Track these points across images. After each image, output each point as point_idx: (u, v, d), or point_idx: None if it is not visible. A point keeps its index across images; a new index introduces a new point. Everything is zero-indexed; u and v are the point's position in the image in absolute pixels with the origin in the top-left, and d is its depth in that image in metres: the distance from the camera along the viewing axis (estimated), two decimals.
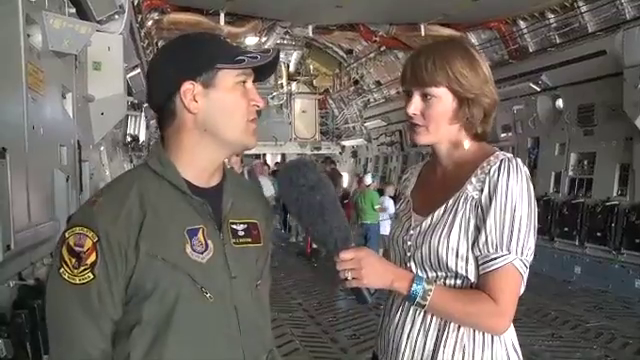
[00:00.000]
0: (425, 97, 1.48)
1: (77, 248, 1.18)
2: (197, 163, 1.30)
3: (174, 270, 1.20)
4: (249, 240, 1.35)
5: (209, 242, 1.26)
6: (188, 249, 1.23)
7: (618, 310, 6.67)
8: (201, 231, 1.25)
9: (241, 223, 1.34)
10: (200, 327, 1.23)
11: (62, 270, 1.19)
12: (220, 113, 1.28)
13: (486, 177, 1.41)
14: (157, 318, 1.19)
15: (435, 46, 1.52)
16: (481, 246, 1.39)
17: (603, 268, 7.75)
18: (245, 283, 1.31)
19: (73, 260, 1.18)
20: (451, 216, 1.44)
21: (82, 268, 1.18)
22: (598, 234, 7.89)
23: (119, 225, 1.19)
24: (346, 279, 1.39)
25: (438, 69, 1.45)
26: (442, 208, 1.47)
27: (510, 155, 1.45)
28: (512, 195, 1.38)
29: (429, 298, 1.39)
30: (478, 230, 1.41)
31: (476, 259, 1.41)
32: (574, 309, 6.69)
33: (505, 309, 1.39)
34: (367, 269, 1.37)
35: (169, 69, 1.28)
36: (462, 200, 1.44)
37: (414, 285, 1.40)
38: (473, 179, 1.44)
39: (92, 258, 1.17)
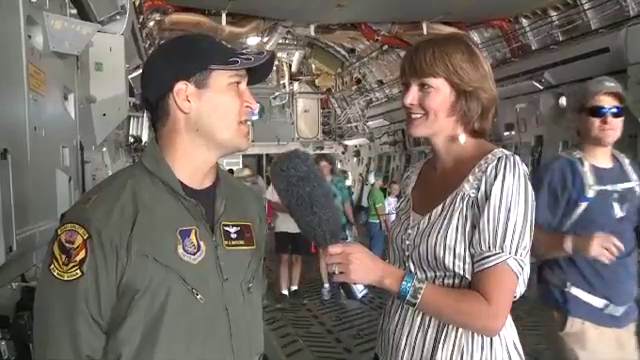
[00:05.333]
0: (423, 88, 1.48)
1: (67, 245, 1.18)
2: (190, 164, 1.30)
3: (165, 270, 1.20)
4: (242, 242, 1.35)
5: (201, 243, 1.26)
6: (180, 250, 1.23)
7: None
8: (193, 232, 1.26)
9: (234, 225, 1.35)
10: (191, 328, 1.23)
11: (52, 267, 1.19)
12: (213, 114, 1.28)
13: (483, 175, 1.40)
14: (147, 318, 1.19)
15: (435, 39, 1.53)
16: (475, 244, 1.38)
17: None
18: (237, 285, 1.31)
19: (63, 257, 1.18)
20: (448, 215, 1.43)
21: (71, 265, 1.17)
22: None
23: (111, 223, 1.19)
24: (334, 273, 1.38)
25: (437, 60, 1.45)
26: (440, 207, 1.46)
27: (508, 152, 1.44)
28: (507, 193, 1.37)
29: (420, 296, 1.37)
30: (474, 228, 1.39)
31: (472, 257, 1.40)
32: None
33: (498, 310, 1.37)
34: (355, 264, 1.36)
35: (163, 69, 1.28)
36: (459, 199, 1.43)
37: (404, 283, 1.38)
38: (470, 177, 1.43)
39: (81, 255, 1.17)
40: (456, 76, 1.45)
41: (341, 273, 1.37)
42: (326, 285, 7.29)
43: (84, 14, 4.54)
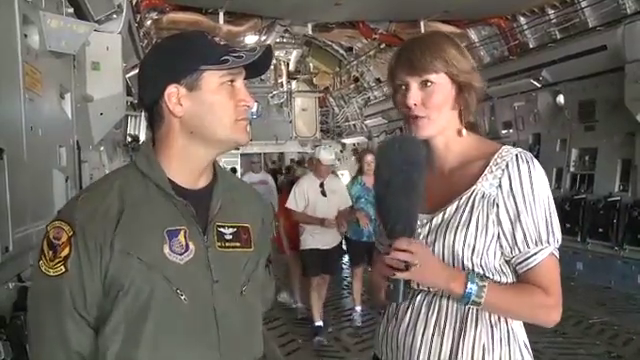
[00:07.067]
0: (424, 86, 1.46)
1: (54, 241, 1.20)
2: (186, 164, 1.29)
3: (149, 269, 1.19)
4: (237, 244, 1.31)
5: (190, 244, 1.24)
6: (166, 250, 1.22)
7: (621, 306, 6.65)
8: (182, 232, 1.24)
9: (230, 226, 1.32)
10: (175, 329, 1.21)
11: (41, 262, 1.21)
12: (206, 115, 1.25)
13: (503, 172, 1.40)
14: (130, 316, 1.19)
15: (423, 37, 1.54)
16: (520, 244, 1.39)
17: (606, 264, 7.72)
18: (228, 288, 1.28)
19: (50, 253, 1.20)
20: (466, 213, 1.42)
21: (56, 261, 1.19)
22: (600, 230, 7.87)
23: (96, 221, 1.19)
24: (396, 268, 1.36)
25: (434, 55, 1.44)
26: (454, 205, 1.44)
27: (520, 149, 1.45)
28: (538, 187, 1.39)
29: (484, 295, 1.37)
30: (501, 227, 1.39)
31: (512, 257, 1.41)
32: (577, 305, 6.66)
33: (557, 299, 1.42)
34: (425, 265, 1.35)
35: (154, 73, 1.27)
36: (478, 197, 1.41)
37: (469, 284, 1.37)
38: (488, 176, 1.42)
39: (66, 251, 1.19)
40: (455, 68, 1.44)
41: (405, 270, 1.35)
42: (357, 308, 6.03)
43: (81, 13, 4.53)
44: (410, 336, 1.48)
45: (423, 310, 1.47)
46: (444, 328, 1.44)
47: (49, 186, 3.40)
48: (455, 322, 1.44)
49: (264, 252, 1.42)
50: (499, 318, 1.45)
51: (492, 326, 1.43)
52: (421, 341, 1.46)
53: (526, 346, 1.49)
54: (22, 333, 2.37)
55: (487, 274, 1.42)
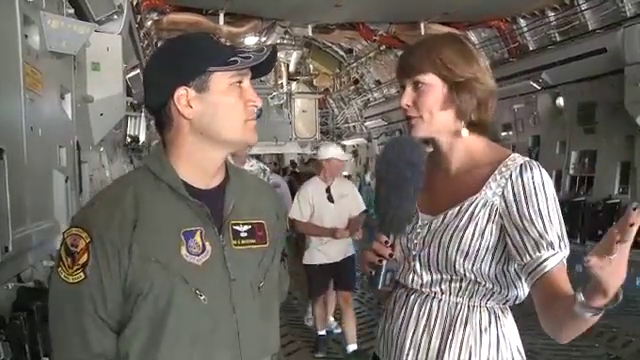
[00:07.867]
0: (416, 87, 1.48)
1: (72, 248, 1.21)
2: (196, 165, 1.30)
3: (167, 271, 1.20)
4: (252, 241, 1.33)
5: (207, 244, 1.25)
6: (183, 251, 1.22)
7: (620, 308, 6.60)
8: (198, 233, 1.25)
9: (245, 224, 1.33)
10: (195, 329, 1.23)
11: (60, 269, 1.22)
12: (215, 117, 1.26)
13: (507, 182, 1.39)
14: (152, 319, 1.20)
15: (424, 39, 1.57)
16: (531, 250, 1.34)
17: None
18: (246, 286, 1.29)
19: (69, 260, 1.21)
20: (465, 218, 1.42)
21: (75, 267, 1.20)
22: (599, 232, 7.86)
23: (113, 227, 1.20)
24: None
25: (424, 56, 1.46)
26: (456, 209, 1.44)
27: (527, 158, 1.44)
28: (543, 194, 1.37)
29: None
30: (509, 236, 1.38)
31: (487, 263, 1.40)
32: None
33: None
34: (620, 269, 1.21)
35: (162, 75, 1.27)
36: (480, 204, 1.41)
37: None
38: (492, 184, 1.41)
39: (84, 258, 1.19)
40: (445, 69, 1.45)
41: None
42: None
43: (81, 14, 4.54)
44: (402, 335, 1.50)
45: (415, 310, 1.49)
46: (433, 329, 1.46)
47: (49, 186, 3.40)
48: (444, 324, 1.45)
49: (279, 246, 1.43)
50: (489, 323, 1.45)
51: (481, 331, 1.43)
52: (411, 340, 1.48)
53: (519, 351, 1.48)
54: (21, 333, 2.37)
55: (479, 281, 1.42)
